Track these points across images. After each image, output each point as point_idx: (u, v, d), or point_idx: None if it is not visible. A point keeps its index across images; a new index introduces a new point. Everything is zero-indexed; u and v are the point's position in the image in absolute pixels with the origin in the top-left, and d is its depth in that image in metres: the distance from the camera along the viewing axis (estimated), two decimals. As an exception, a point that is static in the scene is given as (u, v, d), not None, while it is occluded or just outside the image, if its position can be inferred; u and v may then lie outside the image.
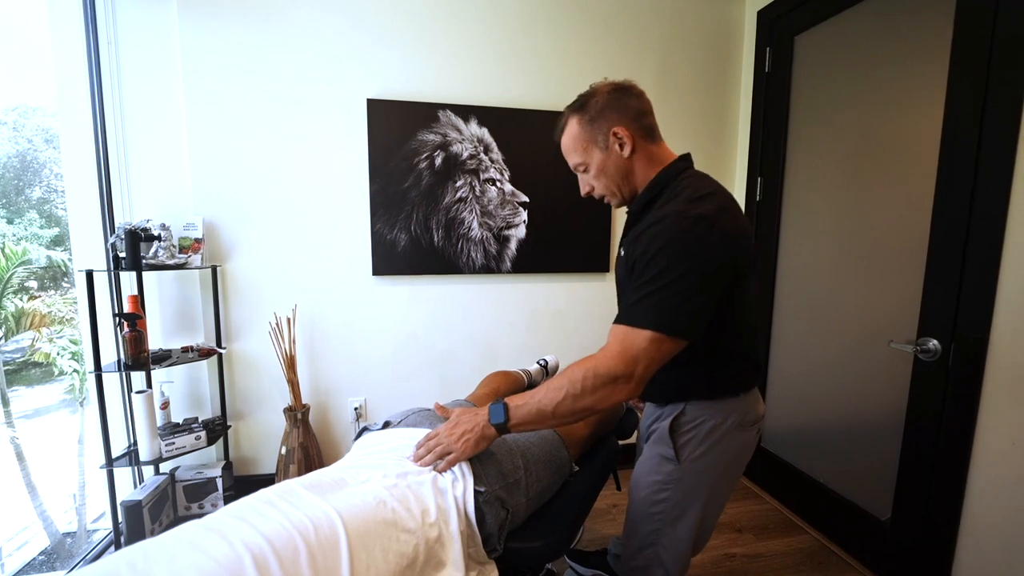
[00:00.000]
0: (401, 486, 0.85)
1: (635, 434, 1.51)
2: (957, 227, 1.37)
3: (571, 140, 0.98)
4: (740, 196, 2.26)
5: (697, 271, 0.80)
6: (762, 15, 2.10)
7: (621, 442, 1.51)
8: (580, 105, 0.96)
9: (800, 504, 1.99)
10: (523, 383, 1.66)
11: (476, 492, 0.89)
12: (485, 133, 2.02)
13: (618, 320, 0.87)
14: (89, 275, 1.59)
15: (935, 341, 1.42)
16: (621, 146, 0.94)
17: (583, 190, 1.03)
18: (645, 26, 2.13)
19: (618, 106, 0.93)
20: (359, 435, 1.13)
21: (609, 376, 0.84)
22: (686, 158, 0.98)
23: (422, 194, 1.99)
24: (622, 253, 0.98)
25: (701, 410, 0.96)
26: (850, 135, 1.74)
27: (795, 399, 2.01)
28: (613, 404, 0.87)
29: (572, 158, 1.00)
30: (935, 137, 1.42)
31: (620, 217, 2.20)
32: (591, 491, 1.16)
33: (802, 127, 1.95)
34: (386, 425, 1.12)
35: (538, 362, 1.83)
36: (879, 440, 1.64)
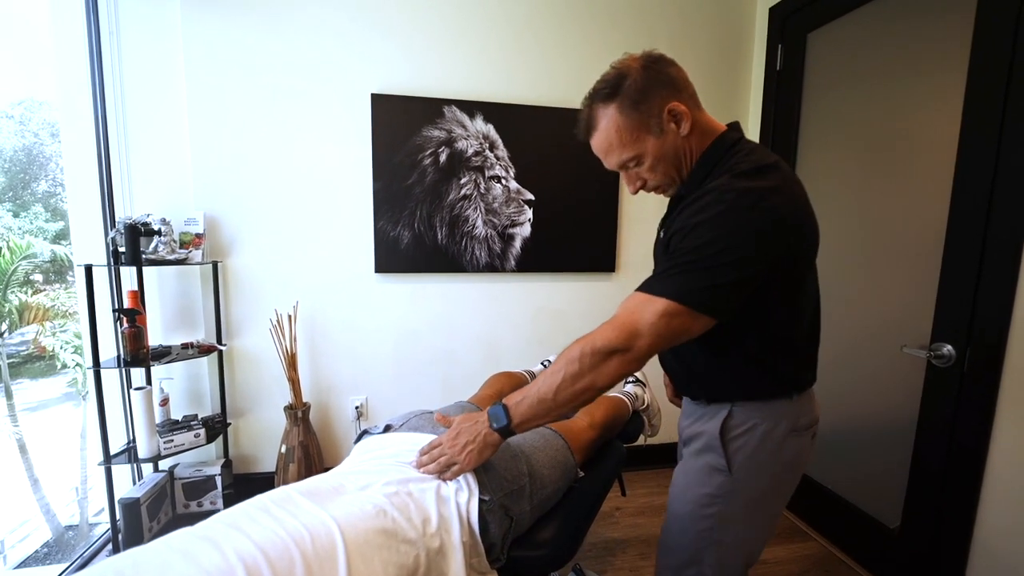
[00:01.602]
0: (402, 494, 0.82)
1: (641, 437, 1.49)
2: (974, 229, 1.33)
3: (613, 134, 0.83)
4: (749, 196, 2.22)
5: (735, 249, 0.71)
6: (774, 11, 2.05)
7: (626, 445, 1.48)
8: (612, 91, 0.81)
9: (807, 510, 1.96)
10: (526, 383, 1.63)
11: (480, 501, 0.87)
12: (491, 129, 1.99)
13: (639, 287, 0.79)
14: (88, 270, 1.58)
15: (949, 347, 1.38)
16: (678, 123, 0.81)
17: (633, 186, 0.90)
18: (653, 22, 2.10)
19: (662, 79, 0.81)
20: (359, 438, 1.10)
21: (606, 349, 0.77)
22: (736, 127, 0.86)
23: (426, 191, 1.97)
24: (661, 235, 0.89)
25: (750, 413, 0.86)
26: (864, 134, 1.70)
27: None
28: (613, 379, 0.79)
29: (618, 155, 0.85)
30: (952, 137, 1.38)
31: (627, 216, 2.17)
32: (597, 497, 1.12)
33: (814, 126, 1.91)
34: (387, 429, 1.09)
35: (542, 363, 1.79)
36: (889, 447, 1.61)
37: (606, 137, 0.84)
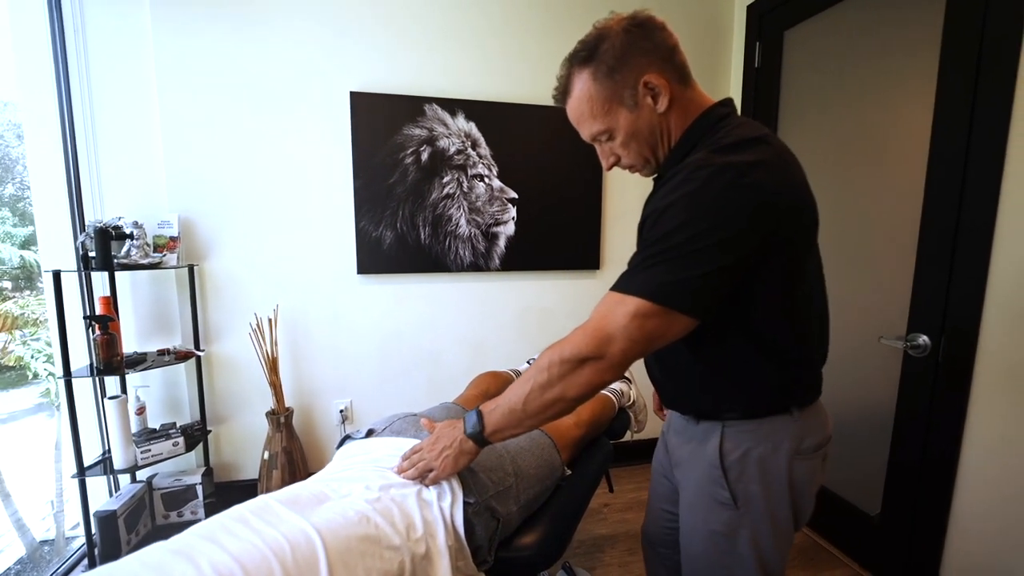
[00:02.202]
0: (384, 499, 0.81)
1: (629, 433, 1.49)
2: (947, 222, 1.36)
3: (585, 103, 0.75)
4: (729, 192, 2.25)
5: (711, 233, 0.62)
6: (751, 9, 2.08)
7: (613, 442, 1.48)
8: (588, 55, 0.73)
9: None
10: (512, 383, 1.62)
11: (465, 503, 0.86)
12: (472, 128, 1.97)
13: (612, 287, 0.71)
14: (57, 276, 1.52)
15: (925, 337, 1.42)
16: (655, 98, 0.73)
17: (607, 162, 0.82)
18: (634, 19, 2.10)
19: (643, 46, 0.72)
20: (341, 443, 1.08)
21: (576, 358, 0.69)
22: (727, 103, 0.78)
23: (408, 190, 1.94)
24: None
25: (744, 435, 0.77)
26: (840, 130, 1.73)
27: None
28: (586, 390, 0.71)
29: (589, 126, 0.77)
30: (925, 132, 1.41)
31: (611, 213, 2.18)
32: (584, 496, 1.12)
33: (792, 122, 1.94)
34: (369, 433, 1.07)
35: (528, 362, 1.79)
36: (869, 436, 1.64)
37: (578, 105, 0.77)
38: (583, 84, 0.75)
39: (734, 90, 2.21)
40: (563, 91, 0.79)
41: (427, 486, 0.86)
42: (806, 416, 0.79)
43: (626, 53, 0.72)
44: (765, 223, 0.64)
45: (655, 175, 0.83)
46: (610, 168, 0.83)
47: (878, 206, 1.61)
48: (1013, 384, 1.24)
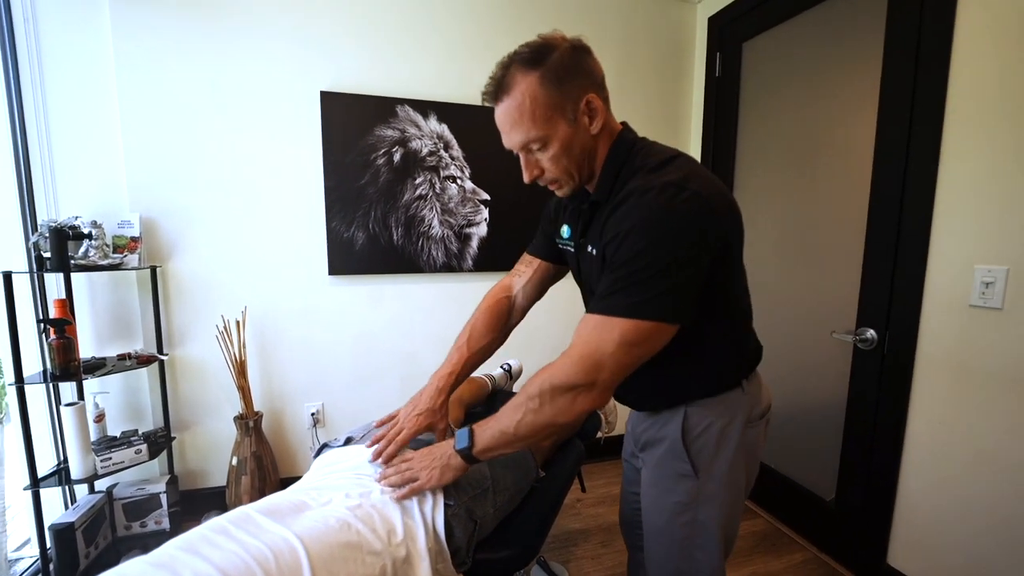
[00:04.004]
0: (365, 506, 0.82)
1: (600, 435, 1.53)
2: (889, 223, 1.47)
3: (527, 104, 0.73)
4: (694, 195, 2.34)
5: (677, 246, 0.68)
6: (712, 21, 2.18)
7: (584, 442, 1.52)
8: (536, 58, 0.73)
9: (754, 491, 2.08)
10: (487, 389, 1.63)
11: (446, 506, 0.87)
12: (445, 129, 1.99)
13: (589, 309, 0.74)
14: (8, 277, 1.45)
15: (872, 331, 1.52)
16: (591, 118, 0.76)
17: (529, 173, 0.81)
18: (601, 24, 2.17)
19: (585, 68, 0.75)
20: (319, 452, 1.08)
21: (566, 386, 0.73)
22: (628, 127, 0.85)
23: (380, 191, 1.94)
24: (592, 251, 0.82)
25: (705, 412, 0.84)
26: (795, 136, 1.84)
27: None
28: (576, 417, 0.75)
29: (525, 131, 0.75)
30: (870, 138, 1.52)
31: (580, 215, 2.22)
32: (558, 496, 1.15)
33: (751, 129, 2.04)
34: (348, 441, 1.07)
35: (501, 366, 1.80)
36: (823, 425, 1.74)
37: (517, 106, 0.74)
38: (528, 86, 0.73)
39: (696, 97, 2.31)
40: (500, 89, 0.76)
41: (401, 499, 0.85)
42: (752, 388, 0.87)
43: (573, 68, 0.74)
44: (713, 226, 0.71)
45: (570, 195, 0.85)
46: (531, 181, 0.82)
47: (829, 207, 1.71)
48: (949, 372, 1.35)
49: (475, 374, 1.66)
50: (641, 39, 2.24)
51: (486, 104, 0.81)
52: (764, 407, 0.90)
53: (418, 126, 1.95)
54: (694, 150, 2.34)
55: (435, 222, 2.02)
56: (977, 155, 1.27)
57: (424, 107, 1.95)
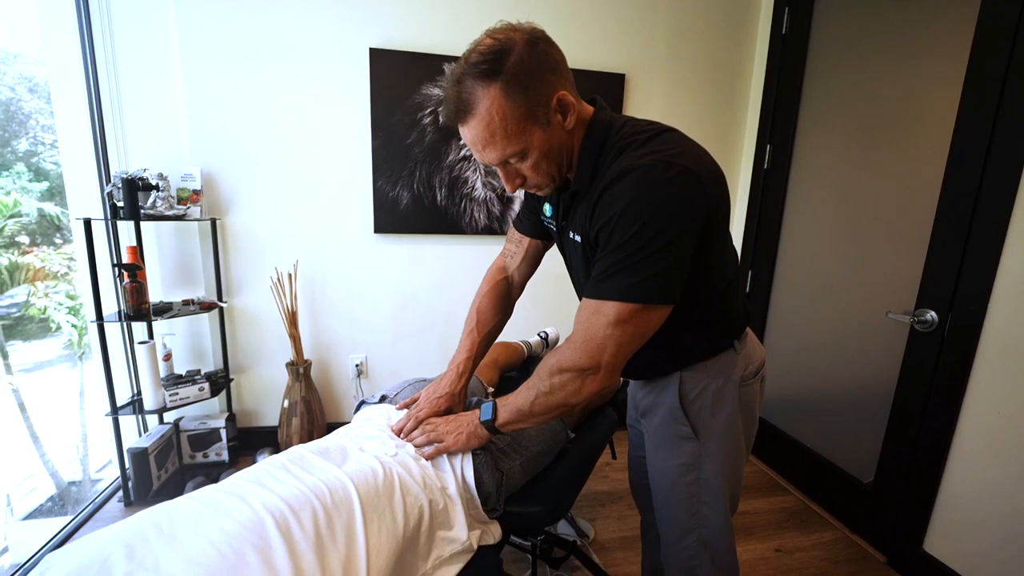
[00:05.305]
0: (401, 454, 0.89)
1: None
2: (965, 200, 1.36)
3: (497, 122, 0.69)
4: (748, 163, 2.23)
5: (670, 225, 0.66)
6: (783, -28, 2.01)
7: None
8: (493, 68, 0.67)
9: (785, 466, 2.06)
10: (523, 354, 1.67)
11: (473, 455, 0.93)
12: (491, 90, 1.95)
13: (585, 293, 0.74)
14: (87, 223, 1.57)
15: (933, 312, 1.44)
16: (564, 115, 0.72)
17: (512, 185, 0.79)
18: (660, -20, 2.04)
19: (547, 62, 0.70)
20: (358, 408, 1.15)
21: (572, 369, 0.76)
22: (600, 104, 0.79)
23: (425, 151, 1.95)
24: (575, 238, 0.81)
25: (700, 375, 0.86)
26: (866, 103, 1.70)
27: (789, 367, 2.05)
28: (586, 398, 0.78)
29: (501, 148, 0.71)
30: (952, 110, 1.39)
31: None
32: (588, 459, 1.19)
33: (816, 94, 1.91)
34: (383, 399, 1.13)
35: (539, 334, 1.83)
36: (867, 407, 1.68)
37: (486, 125, 0.69)
38: (492, 101, 0.68)
39: (759, 58, 2.16)
40: (462, 109, 0.70)
41: (427, 458, 0.91)
42: (744, 347, 0.88)
43: (536, 68, 0.69)
44: (703, 200, 0.69)
45: (554, 191, 0.83)
46: (515, 191, 0.80)
47: (896, 181, 1.60)
48: (1015, 361, 1.27)
49: (512, 340, 1.70)
50: (701, -6, 2.10)
51: (447, 123, 0.78)
52: (757, 364, 0.91)
53: (465, 85, 1.93)
54: (752, 115, 2.22)
55: (478, 184, 2.03)
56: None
57: (471, 66, 1.92)
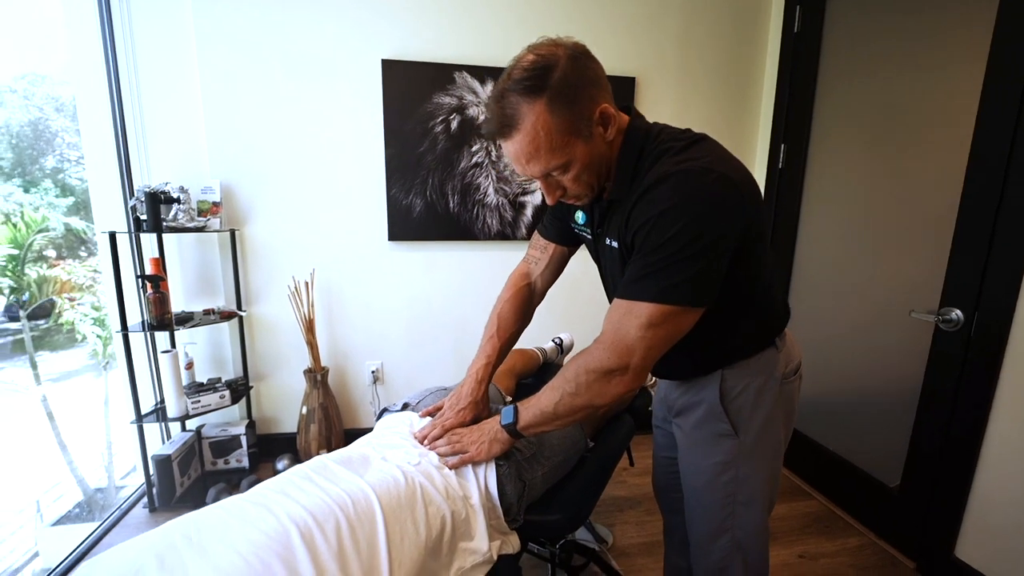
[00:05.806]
0: (424, 463, 0.89)
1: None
2: (989, 197, 1.33)
3: (542, 137, 0.69)
4: (762, 163, 2.21)
5: (708, 230, 0.67)
6: (793, -29, 1.99)
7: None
8: (538, 84, 0.68)
9: (809, 470, 2.02)
10: (538, 361, 1.66)
11: (497, 466, 0.93)
12: (502, 96, 1.97)
13: (617, 294, 0.75)
14: (112, 236, 1.62)
15: (958, 311, 1.40)
16: (605, 127, 0.73)
17: (553, 196, 0.79)
18: (669, -17, 2.05)
19: (590, 76, 0.71)
20: (380, 415, 1.16)
21: (600, 371, 0.76)
22: (634, 111, 0.81)
23: (438, 159, 1.97)
24: (611, 243, 0.82)
25: (742, 373, 0.85)
26: (881, 101, 1.68)
27: (809, 370, 1.98)
28: (615, 398, 0.77)
29: (545, 162, 0.72)
30: (972, 108, 1.36)
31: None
32: (606, 467, 1.18)
33: (830, 92, 1.88)
34: (405, 407, 1.14)
35: (553, 340, 1.82)
36: (893, 409, 1.65)
37: (531, 140, 0.70)
38: (537, 117, 0.69)
39: (771, 57, 2.15)
40: (506, 124, 0.71)
41: (451, 468, 0.91)
42: (784, 344, 0.88)
43: (579, 82, 0.70)
44: (740, 206, 0.70)
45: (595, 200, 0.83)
46: (555, 202, 0.81)
47: (917, 180, 1.57)
48: (1046, 358, 1.23)
49: (527, 347, 1.70)
50: (711, -7, 2.09)
51: (490, 139, 0.79)
52: (797, 362, 0.92)
53: (475, 92, 1.95)
54: (765, 115, 2.20)
55: (490, 190, 2.04)
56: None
57: (481, 73, 1.94)
